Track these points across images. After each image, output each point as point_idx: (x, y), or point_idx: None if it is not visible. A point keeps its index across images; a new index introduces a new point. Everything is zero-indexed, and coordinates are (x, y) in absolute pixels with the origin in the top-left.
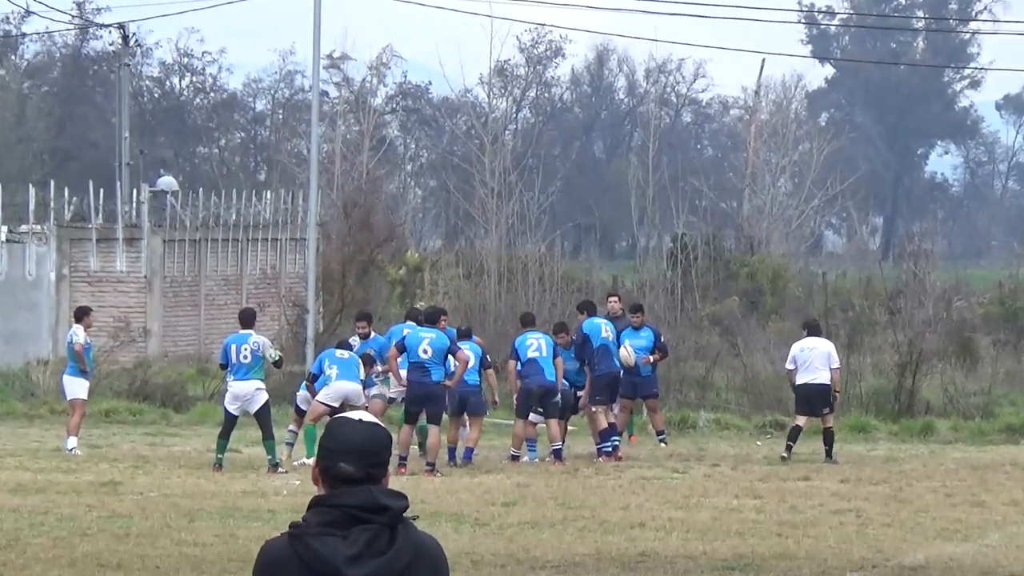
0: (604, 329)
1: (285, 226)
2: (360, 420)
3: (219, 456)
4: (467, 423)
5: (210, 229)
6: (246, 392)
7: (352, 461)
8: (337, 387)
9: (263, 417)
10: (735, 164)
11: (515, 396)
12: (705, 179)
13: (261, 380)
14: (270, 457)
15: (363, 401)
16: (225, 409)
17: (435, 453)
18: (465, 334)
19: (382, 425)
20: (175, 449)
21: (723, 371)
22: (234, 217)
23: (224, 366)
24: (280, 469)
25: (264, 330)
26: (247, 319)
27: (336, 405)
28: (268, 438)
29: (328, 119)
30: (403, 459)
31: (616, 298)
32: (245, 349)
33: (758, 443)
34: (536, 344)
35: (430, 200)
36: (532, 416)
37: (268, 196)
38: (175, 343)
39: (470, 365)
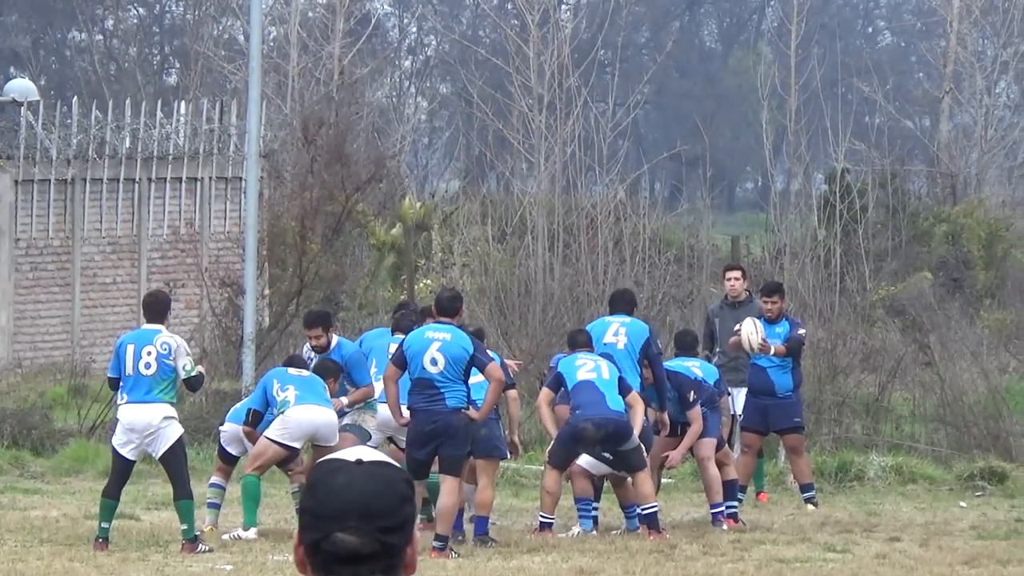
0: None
1: (209, 158)
2: (360, 461)
3: (103, 525)
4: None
5: (89, 163)
6: (147, 422)
7: (355, 528)
8: (298, 417)
9: (174, 464)
10: (927, 59)
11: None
12: (880, 83)
13: (171, 404)
14: (185, 527)
15: (335, 439)
16: (114, 450)
17: (450, 520)
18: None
19: (395, 464)
20: (33, 514)
21: (907, 390)
22: (127, 144)
23: (115, 381)
24: (201, 546)
25: (176, 324)
26: (156, 308)
27: (298, 446)
28: (182, 497)
29: None
30: None
31: (738, 274)
32: (148, 354)
33: (963, 504)
34: (592, 364)
35: (441, 117)
36: (587, 463)
37: (182, 110)
38: (33, 345)
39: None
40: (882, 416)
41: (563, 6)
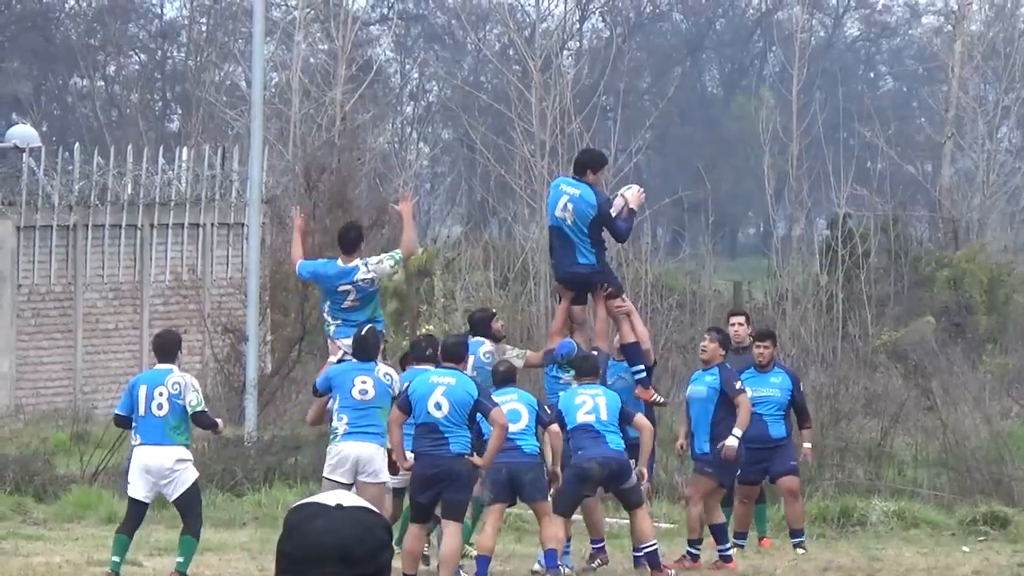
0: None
1: (211, 204)
2: (340, 506)
3: (114, 559)
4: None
5: (91, 209)
6: (160, 465)
7: (332, 573)
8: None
9: (188, 506)
10: (930, 104)
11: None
12: (882, 128)
13: (186, 446)
14: (180, 560)
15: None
16: (129, 494)
17: (453, 565)
18: (504, 378)
19: (374, 510)
20: (36, 560)
21: (910, 435)
22: (129, 190)
23: (121, 418)
24: None
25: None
26: (166, 348)
27: (347, 481)
28: (189, 533)
29: (281, 32)
30: None
31: (743, 319)
32: (160, 394)
33: (965, 549)
34: (591, 403)
35: (443, 162)
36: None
37: (184, 156)
38: (36, 391)
39: (519, 426)
40: (884, 461)
41: (565, 52)
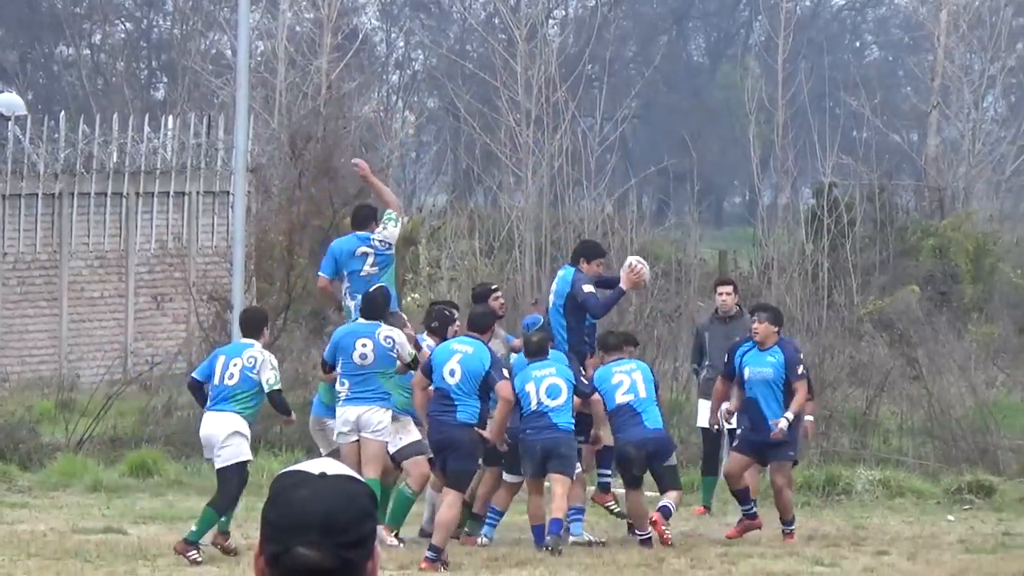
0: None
1: (196, 173)
2: (323, 475)
3: (193, 529)
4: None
5: (77, 178)
6: (212, 432)
7: (315, 541)
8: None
9: (224, 480)
10: (916, 73)
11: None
12: (868, 97)
13: (242, 415)
14: (194, 529)
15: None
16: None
17: (447, 532)
18: (538, 348)
19: (359, 478)
20: (21, 528)
21: (895, 403)
22: (115, 159)
23: (195, 384)
24: (193, 554)
25: (164, 338)
26: (251, 323)
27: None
28: (213, 505)
29: (266, 0)
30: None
31: (730, 288)
32: (235, 365)
33: (950, 518)
34: (628, 382)
35: (429, 131)
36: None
37: (170, 125)
38: (21, 359)
39: (557, 401)
40: (870, 430)
41: (551, 21)
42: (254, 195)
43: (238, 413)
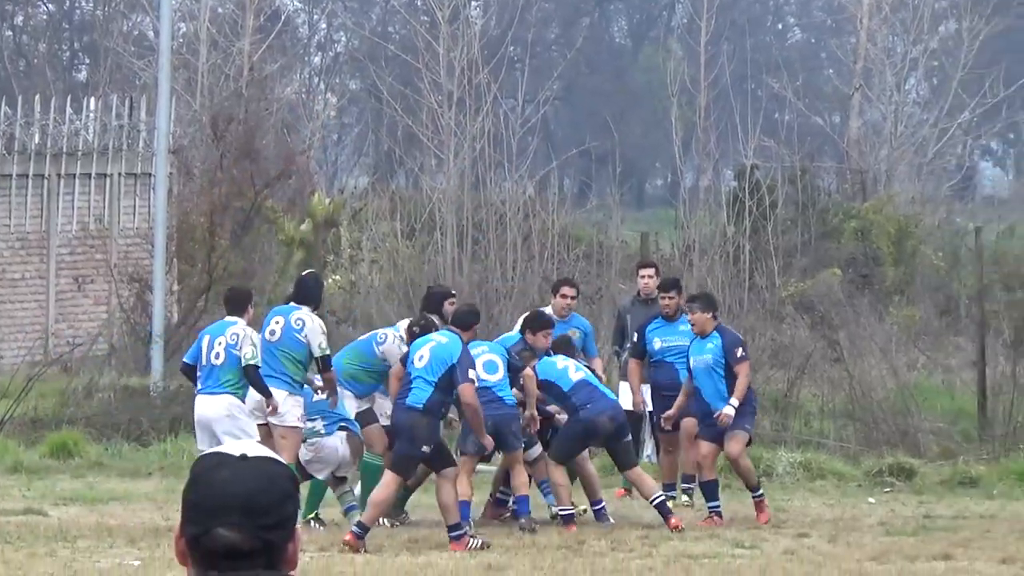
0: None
1: (118, 155)
2: (244, 456)
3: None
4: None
5: None
6: (207, 415)
7: (236, 523)
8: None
9: None
10: (838, 55)
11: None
12: (790, 80)
13: (239, 396)
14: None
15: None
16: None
17: (376, 513)
18: (462, 323)
19: (279, 460)
20: None
21: (816, 386)
22: (37, 140)
23: (188, 369)
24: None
25: (85, 320)
26: (234, 302)
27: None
28: None
29: None
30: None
31: (652, 271)
32: (219, 344)
33: (871, 500)
34: (572, 363)
35: (351, 113)
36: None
37: (92, 106)
38: None
39: (496, 376)
40: (791, 412)
41: (473, 3)
42: (176, 176)
43: (232, 393)
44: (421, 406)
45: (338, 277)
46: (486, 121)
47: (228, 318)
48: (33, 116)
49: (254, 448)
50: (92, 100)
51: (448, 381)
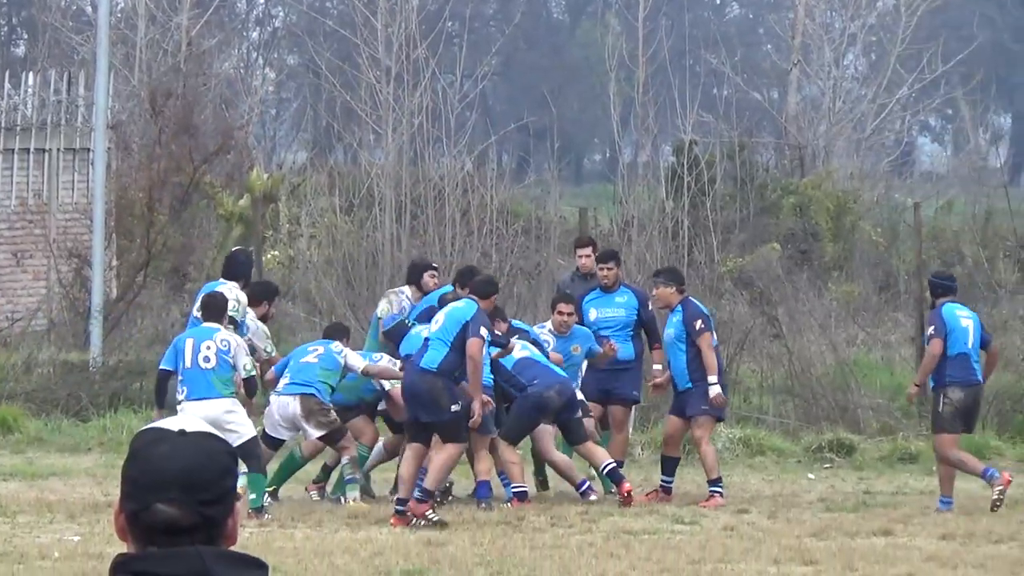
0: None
1: (57, 130)
2: (183, 432)
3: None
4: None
5: None
6: (210, 416)
7: (174, 498)
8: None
9: (248, 454)
10: (776, 31)
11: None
12: (728, 55)
13: (235, 397)
14: (252, 497)
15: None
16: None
17: (409, 485)
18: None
19: (218, 436)
20: None
21: (755, 362)
22: None
23: (167, 375)
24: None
25: (24, 295)
26: (214, 308)
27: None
28: (252, 470)
29: None
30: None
31: (589, 251)
32: (208, 348)
33: (811, 476)
34: (520, 343)
35: (288, 88)
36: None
37: (30, 81)
38: None
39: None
40: (730, 388)
41: None
42: (114, 152)
43: (230, 395)
44: (435, 367)
45: (277, 252)
46: (424, 96)
47: (207, 323)
48: None
49: (193, 423)
50: (30, 75)
51: (462, 340)
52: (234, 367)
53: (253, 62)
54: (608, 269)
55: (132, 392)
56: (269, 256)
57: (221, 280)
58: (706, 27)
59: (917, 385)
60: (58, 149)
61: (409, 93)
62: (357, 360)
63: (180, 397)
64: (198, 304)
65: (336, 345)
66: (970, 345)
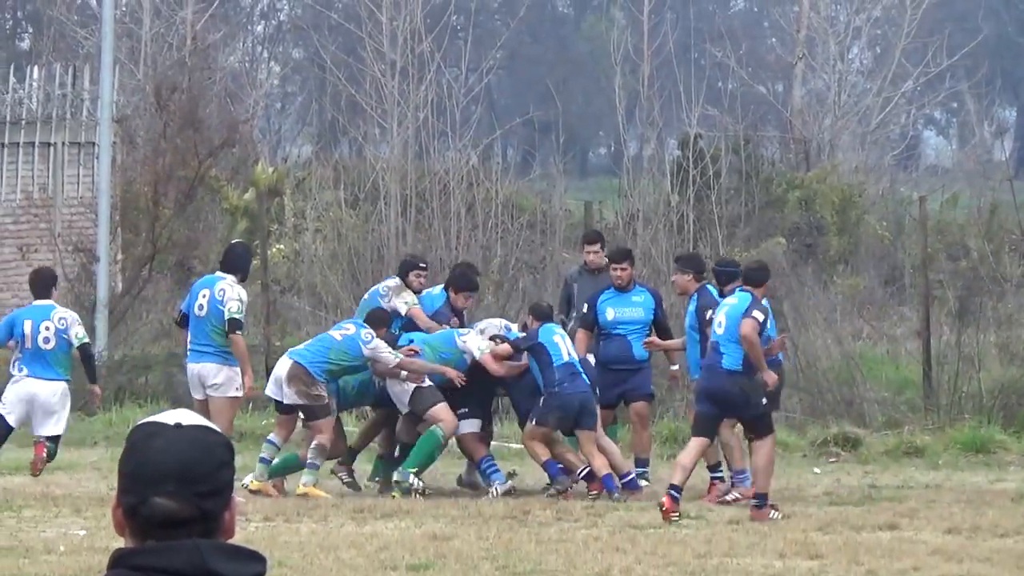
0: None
1: (62, 124)
2: (179, 425)
3: None
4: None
5: None
6: (47, 397)
7: (171, 492)
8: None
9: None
10: (781, 24)
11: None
12: (734, 48)
13: (68, 380)
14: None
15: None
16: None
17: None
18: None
19: (215, 429)
20: None
21: None
22: None
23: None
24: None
25: (24, 290)
26: (43, 284)
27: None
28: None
29: None
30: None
31: (597, 247)
32: (47, 328)
33: (816, 471)
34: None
35: (294, 82)
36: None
37: (35, 75)
38: None
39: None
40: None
41: None
42: (119, 146)
43: (66, 378)
44: (739, 367)
45: (282, 246)
46: (429, 90)
47: (38, 301)
48: None
49: (189, 417)
50: (35, 69)
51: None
52: (70, 343)
53: (258, 56)
54: (622, 269)
55: (138, 386)
56: (274, 250)
57: (219, 273)
58: (711, 21)
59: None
60: (63, 143)
61: (414, 87)
62: (388, 355)
63: (18, 372)
64: (196, 304)
65: (367, 332)
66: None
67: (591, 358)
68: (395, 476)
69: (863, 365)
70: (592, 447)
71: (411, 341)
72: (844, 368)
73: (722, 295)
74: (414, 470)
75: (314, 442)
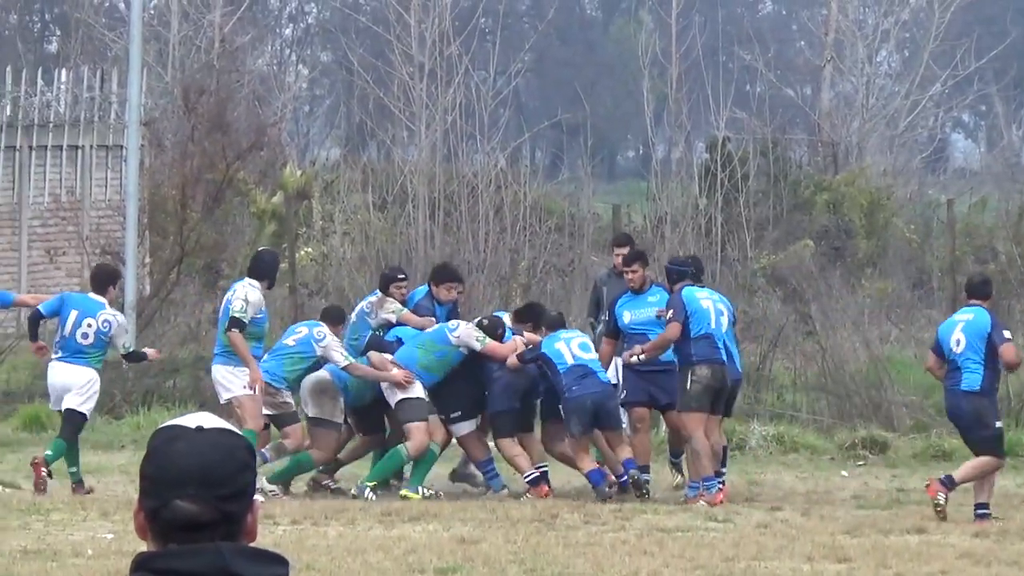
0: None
1: (90, 126)
2: (200, 428)
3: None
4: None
5: None
6: (74, 379)
7: (193, 495)
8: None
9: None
10: (809, 27)
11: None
12: (762, 51)
13: (98, 370)
14: (73, 471)
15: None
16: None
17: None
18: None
19: (236, 431)
20: None
21: (789, 359)
22: (8, 112)
23: (35, 323)
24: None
25: (56, 290)
26: (102, 279)
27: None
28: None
29: None
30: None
31: (626, 250)
32: (89, 325)
33: (844, 474)
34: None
35: (322, 85)
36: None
37: (63, 78)
38: None
39: (588, 355)
40: (764, 385)
41: None
42: (147, 149)
43: (96, 367)
44: (978, 388)
45: (310, 249)
46: (457, 93)
47: (94, 296)
48: (4, 88)
49: (210, 420)
50: (63, 72)
51: (993, 356)
52: (109, 346)
53: (286, 59)
54: (633, 272)
55: (165, 390)
56: (302, 253)
57: (246, 279)
58: (739, 24)
59: (639, 358)
60: (91, 146)
61: (442, 90)
62: (339, 355)
63: (53, 354)
64: (221, 305)
65: (320, 331)
66: (713, 326)
67: (618, 362)
68: (352, 489)
69: (891, 368)
70: (622, 448)
71: (398, 338)
72: (872, 371)
73: (670, 292)
74: (371, 484)
75: (286, 443)
